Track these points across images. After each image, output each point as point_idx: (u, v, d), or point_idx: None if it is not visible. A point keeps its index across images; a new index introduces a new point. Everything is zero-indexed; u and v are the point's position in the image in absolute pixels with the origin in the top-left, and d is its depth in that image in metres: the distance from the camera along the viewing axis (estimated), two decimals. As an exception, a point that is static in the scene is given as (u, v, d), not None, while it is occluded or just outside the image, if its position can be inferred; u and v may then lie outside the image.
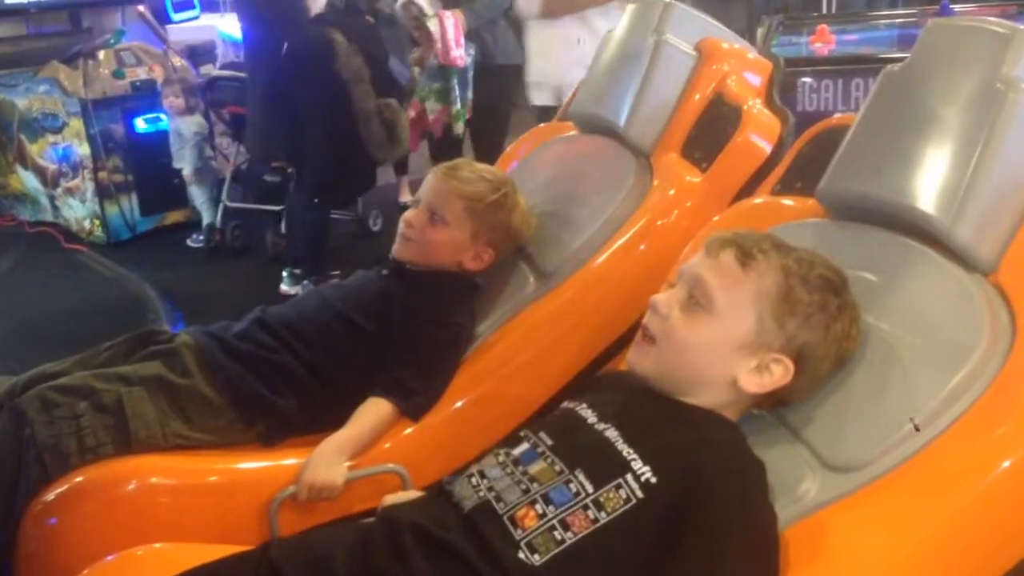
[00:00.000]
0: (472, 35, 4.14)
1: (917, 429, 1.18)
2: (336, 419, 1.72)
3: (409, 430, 1.75)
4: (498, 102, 4.31)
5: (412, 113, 4.23)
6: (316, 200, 4.01)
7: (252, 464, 1.71)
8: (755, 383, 1.24)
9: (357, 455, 1.69)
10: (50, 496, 1.57)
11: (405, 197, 5.04)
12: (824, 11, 5.62)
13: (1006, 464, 1.13)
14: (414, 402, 1.75)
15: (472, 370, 1.83)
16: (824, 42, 3.98)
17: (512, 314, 1.89)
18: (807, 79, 3.47)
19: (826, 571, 1.16)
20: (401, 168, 5.18)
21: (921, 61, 1.39)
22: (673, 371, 1.27)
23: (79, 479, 1.58)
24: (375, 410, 1.73)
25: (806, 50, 4.01)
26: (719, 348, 1.24)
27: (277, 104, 3.85)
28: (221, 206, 4.73)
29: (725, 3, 7.06)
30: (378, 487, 1.63)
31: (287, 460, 1.69)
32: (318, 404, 1.77)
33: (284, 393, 1.76)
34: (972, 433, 1.16)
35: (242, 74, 4.35)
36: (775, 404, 1.30)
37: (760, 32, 4.25)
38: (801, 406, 1.29)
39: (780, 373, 1.24)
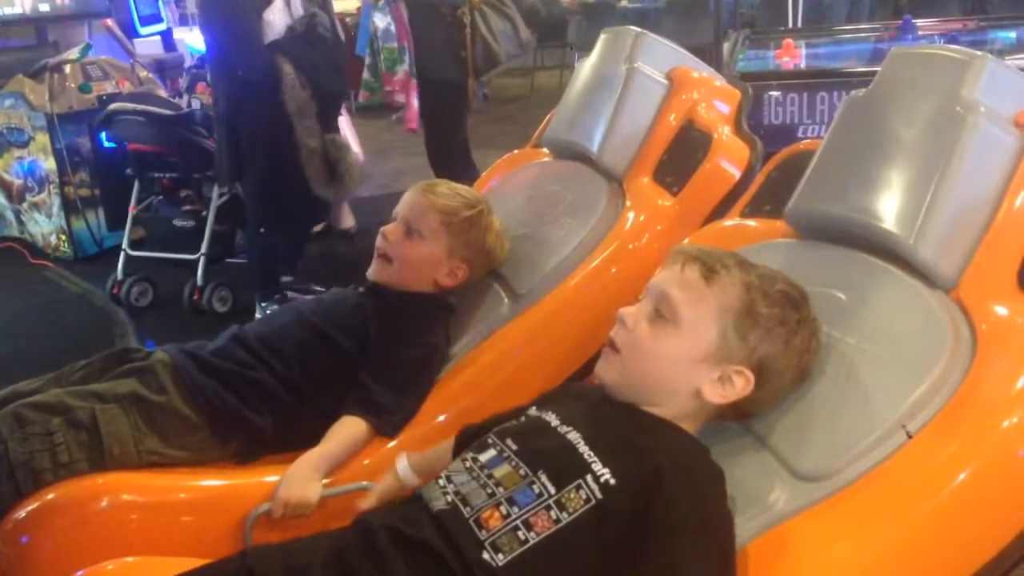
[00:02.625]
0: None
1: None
2: (311, 436, 1.73)
3: (384, 448, 1.76)
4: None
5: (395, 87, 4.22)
6: (262, 230, 3.89)
7: (227, 481, 1.71)
8: (718, 394, 1.28)
9: (332, 472, 1.70)
10: (21, 514, 1.56)
11: (348, 223, 4.93)
12: (791, 26, 5.70)
13: (965, 474, 1.16)
14: (388, 420, 1.76)
15: (447, 389, 1.85)
16: (790, 56, 4.05)
17: (486, 335, 1.92)
18: (773, 93, 3.52)
19: (796, 578, 1.18)
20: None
21: (884, 87, 1.44)
22: (638, 381, 1.31)
23: (51, 496, 1.57)
24: (350, 428, 1.74)
25: (772, 64, 4.08)
26: (683, 360, 1.28)
27: (231, 130, 3.64)
28: (122, 255, 4.14)
29: (692, 18, 7.18)
30: (353, 505, 1.64)
31: (262, 477, 1.69)
32: (294, 421, 1.77)
33: (260, 410, 1.76)
34: (934, 444, 1.20)
35: (145, 107, 4.03)
36: (738, 416, 1.34)
37: (727, 47, 4.31)
38: (771, 417, 1.33)
39: (741, 384, 1.27)
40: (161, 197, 4.22)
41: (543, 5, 9.45)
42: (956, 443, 1.19)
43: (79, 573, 1.45)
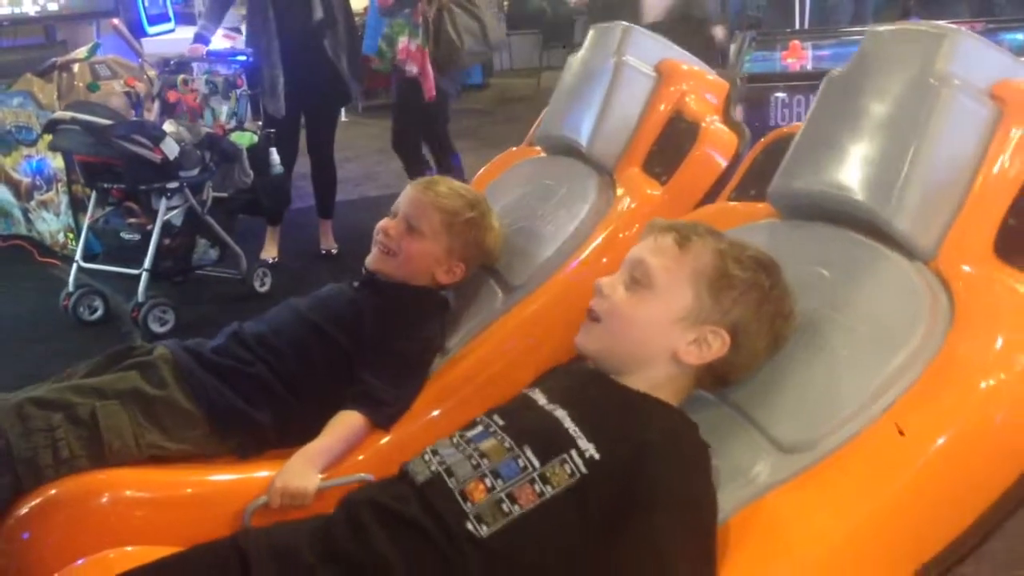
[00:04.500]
0: None
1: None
2: (310, 432, 1.74)
3: (381, 440, 1.78)
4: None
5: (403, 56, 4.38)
6: None
7: (226, 476, 1.73)
8: (694, 354, 1.30)
9: (329, 465, 1.71)
10: (23, 510, 1.58)
11: (329, 244, 4.82)
12: (797, 27, 5.70)
13: (944, 440, 1.17)
14: (384, 412, 1.78)
15: (443, 382, 1.87)
16: (796, 57, 4.03)
17: (481, 327, 1.93)
18: (779, 95, 3.52)
19: (776, 551, 1.19)
20: (275, 219, 4.76)
21: (861, 64, 1.46)
22: (618, 347, 1.33)
23: (52, 492, 1.59)
24: (347, 421, 1.76)
25: (779, 66, 4.07)
26: (659, 322, 1.31)
27: None
28: (74, 267, 4.00)
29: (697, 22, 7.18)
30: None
31: (261, 472, 1.71)
32: (292, 417, 1.79)
33: (259, 406, 1.78)
34: (913, 411, 1.20)
35: (86, 116, 3.88)
36: (716, 382, 1.35)
37: (733, 48, 4.31)
38: (753, 389, 1.34)
39: (717, 345, 1.30)
40: (111, 208, 4.14)
41: (549, 5, 9.52)
42: (935, 410, 1.20)
43: (80, 560, 1.48)
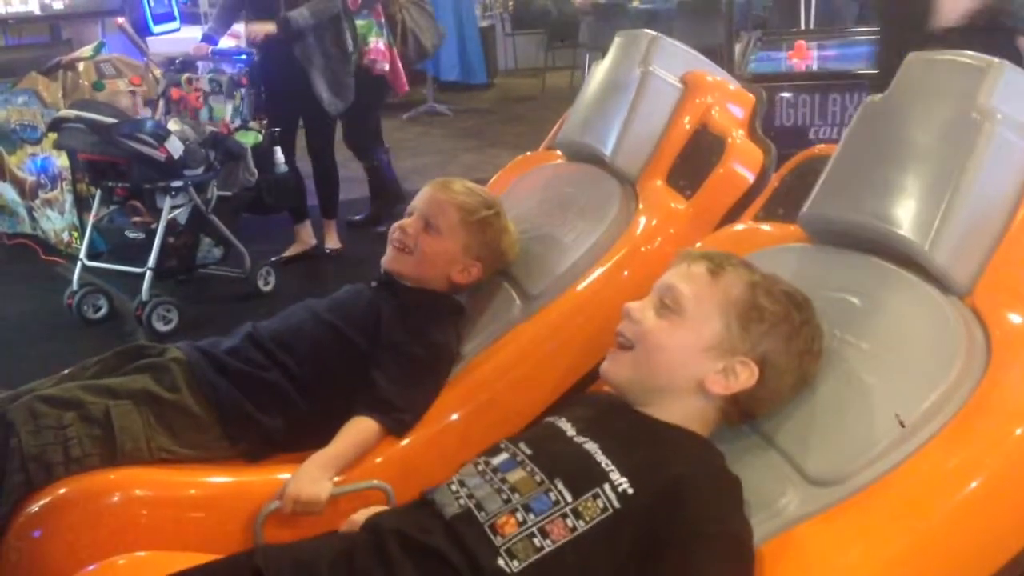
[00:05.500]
0: None
1: (903, 425, 1.21)
2: (322, 438, 1.73)
3: (394, 447, 1.76)
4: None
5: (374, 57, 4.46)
6: None
7: (238, 478, 1.71)
8: (721, 384, 1.29)
9: (342, 471, 1.70)
10: (34, 507, 1.57)
11: (332, 243, 4.78)
12: (802, 27, 5.69)
13: (977, 482, 1.16)
14: (397, 419, 1.76)
15: (457, 390, 1.85)
16: (802, 58, 4.03)
17: (498, 336, 1.91)
18: (785, 95, 3.51)
19: (804, 584, 1.18)
20: (299, 215, 4.77)
21: (900, 92, 1.44)
22: (646, 375, 1.32)
23: (63, 490, 1.58)
24: (360, 428, 1.74)
25: (784, 66, 4.06)
26: (688, 349, 1.30)
27: None
28: (78, 265, 4.00)
29: (703, 19, 7.16)
30: (363, 503, 1.64)
31: (273, 475, 1.70)
32: (305, 423, 1.78)
33: (271, 411, 1.77)
34: (947, 450, 1.20)
35: (90, 115, 3.88)
36: (741, 416, 1.34)
37: (738, 48, 4.29)
38: (783, 420, 1.33)
39: (745, 376, 1.29)
40: (115, 207, 4.14)
41: (554, 5, 9.49)
42: (968, 450, 1.19)
43: (91, 567, 1.47)
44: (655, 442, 1.26)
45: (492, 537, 1.19)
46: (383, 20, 4.50)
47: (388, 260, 1.96)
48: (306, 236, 4.75)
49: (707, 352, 1.30)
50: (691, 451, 1.25)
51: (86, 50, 5.27)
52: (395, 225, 1.97)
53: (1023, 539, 1.18)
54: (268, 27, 4.24)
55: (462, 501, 1.25)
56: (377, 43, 4.47)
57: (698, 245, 1.73)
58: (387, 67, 4.50)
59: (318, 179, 4.72)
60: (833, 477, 1.24)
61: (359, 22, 4.41)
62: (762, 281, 1.33)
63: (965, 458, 1.19)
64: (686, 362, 1.30)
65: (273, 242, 4.77)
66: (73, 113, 3.96)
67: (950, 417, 1.22)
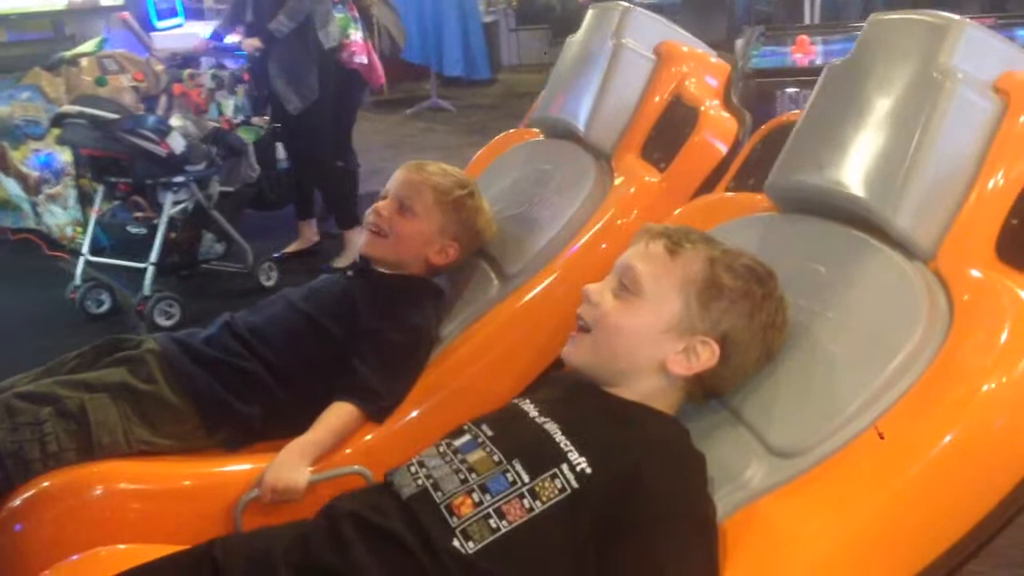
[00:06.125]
0: None
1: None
2: (300, 426, 1.72)
3: (374, 432, 1.76)
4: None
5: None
6: None
7: (217, 468, 1.72)
8: (682, 365, 1.27)
9: (321, 458, 1.70)
10: (16, 502, 1.58)
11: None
12: (807, 22, 5.63)
13: (941, 446, 1.14)
14: (377, 405, 1.76)
15: (437, 372, 1.85)
16: (804, 53, 3.99)
17: (476, 316, 1.91)
18: (787, 90, 3.48)
19: (770, 556, 1.17)
20: (305, 211, 4.74)
21: (862, 54, 1.42)
22: (606, 358, 1.31)
23: (45, 484, 1.59)
24: (339, 413, 1.74)
25: (787, 61, 4.02)
26: (647, 331, 1.28)
27: None
28: (81, 261, 4.03)
29: (707, 14, 7.12)
30: (342, 489, 1.63)
31: (252, 464, 1.70)
32: (283, 411, 1.78)
33: (249, 399, 1.77)
34: (909, 416, 1.18)
35: (92, 110, 3.90)
36: (706, 394, 1.33)
37: (740, 43, 4.26)
38: (747, 393, 1.32)
39: (707, 356, 1.27)
40: (118, 202, 4.16)
41: (558, 1, 9.42)
42: (931, 414, 1.17)
43: (73, 557, 1.48)
44: (617, 421, 1.25)
45: (448, 517, 1.18)
46: (357, 15, 4.48)
47: (364, 245, 1.96)
48: (309, 233, 4.73)
49: (667, 333, 1.28)
50: (653, 430, 1.24)
51: (88, 45, 5.30)
52: (370, 209, 1.96)
53: (987, 505, 1.16)
54: (257, 42, 4.27)
55: (419, 481, 1.25)
56: (355, 36, 4.44)
57: (676, 213, 1.73)
58: (365, 60, 4.45)
59: (309, 186, 4.65)
60: (797, 448, 1.22)
61: (336, 15, 4.37)
62: (722, 257, 1.30)
63: (928, 423, 1.16)
64: (645, 344, 1.29)
65: (275, 238, 4.77)
66: (75, 109, 3.98)
67: (912, 383, 1.20)
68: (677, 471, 1.18)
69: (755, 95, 3.27)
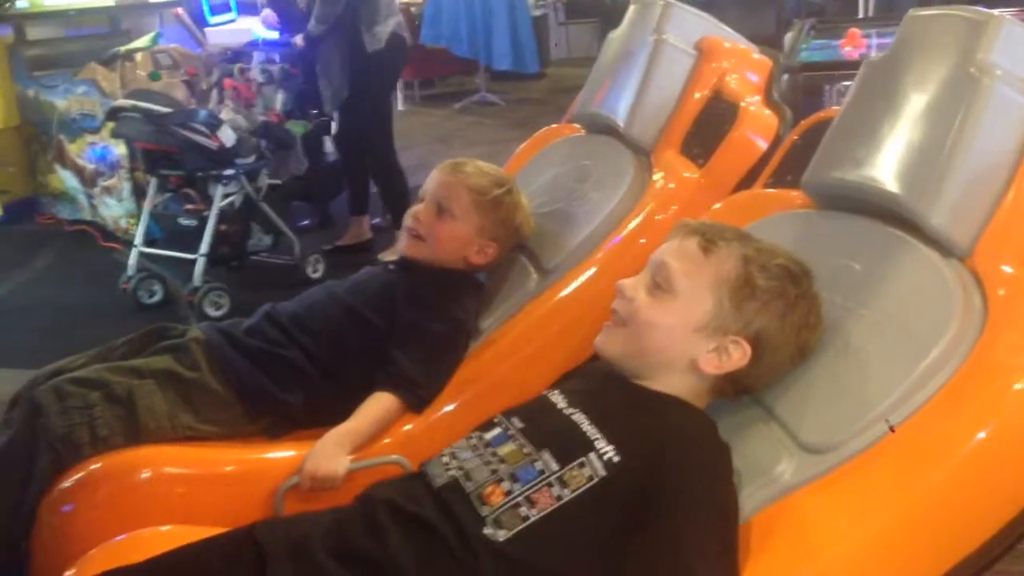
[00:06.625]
0: None
1: (892, 430, 1.19)
2: (341, 414, 1.76)
3: (412, 422, 1.79)
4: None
5: None
6: None
7: (259, 455, 1.76)
8: (713, 364, 1.28)
9: (360, 447, 1.73)
10: (66, 483, 1.63)
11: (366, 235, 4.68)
12: (861, 15, 5.54)
13: (972, 444, 1.14)
14: (417, 395, 1.79)
15: (475, 364, 1.87)
16: (855, 46, 3.91)
17: (515, 310, 1.93)
18: (835, 84, 3.42)
19: (799, 551, 1.18)
20: (359, 207, 4.75)
21: (900, 50, 1.41)
22: (637, 352, 1.32)
23: (94, 467, 1.64)
24: (379, 403, 1.77)
25: (837, 54, 3.95)
26: (679, 329, 1.29)
27: None
28: (134, 252, 4.12)
29: (758, 7, 7.03)
30: (380, 478, 1.67)
31: (293, 452, 1.73)
32: (323, 399, 1.81)
33: (290, 388, 1.80)
34: (941, 415, 1.17)
35: (145, 104, 3.98)
36: (737, 391, 1.33)
37: (790, 36, 4.20)
38: (779, 389, 1.32)
39: (738, 356, 1.28)
40: (170, 194, 4.23)
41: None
42: (964, 413, 1.17)
43: (118, 538, 1.52)
44: (644, 412, 1.26)
45: (479, 507, 1.20)
46: None
47: (404, 248, 1.98)
48: (361, 229, 4.75)
49: (699, 332, 1.29)
50: (679, 419, 1.25)
51: (143, 40, 5.39)
52: (408, 213, 1.99)
53: (1020, 502, 1.15)
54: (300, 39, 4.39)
55: (450, 472, 1.27)
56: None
57: (714, 209, 1.73)
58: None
59: (360, 182, 4.69)
60: (827, 444, 1.23)
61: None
62: (756, 256, 1.30)
63: (960, 420, 1.16)
64: (677, 341, 1.29)
65: (324, 231, 4.84)
66: (129, 103, 4.06)
67: (946, 380, 1.19)
68: (700, 460, 1.20)
69: (802, 89, 3.23)
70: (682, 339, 1.29)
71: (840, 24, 4.49)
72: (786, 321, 1.28)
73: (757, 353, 1.28)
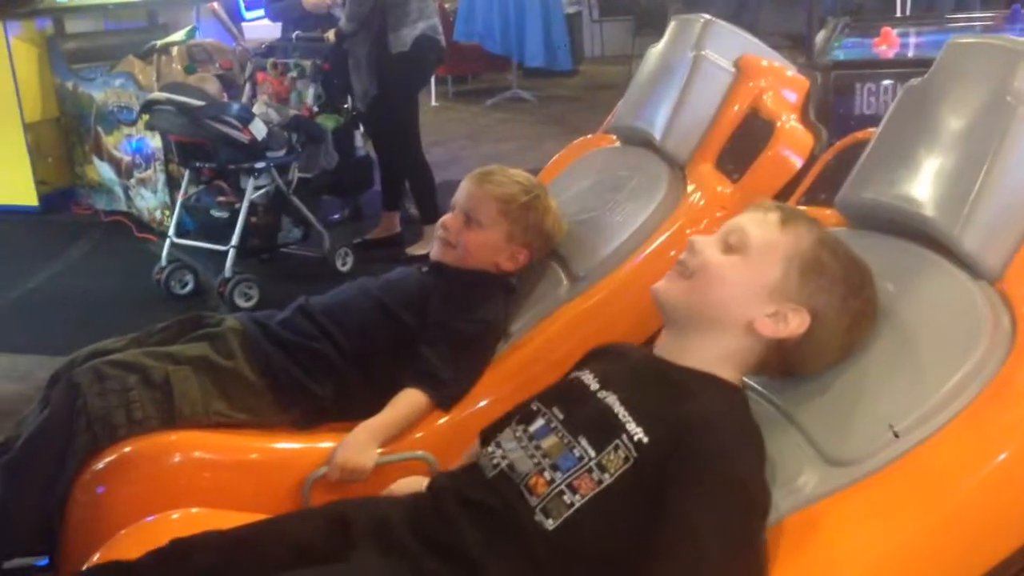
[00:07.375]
0: None
1: (896, 436, 1.22)
2: (369, 407, 1.80)
3: (440, 420, 1.82)
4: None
5: None
6: None
7: (288, 444, 1.80)
8: (769, 328, 1.29)
9: (389, 441, 1.77)
10: (99, 465, 1.67)
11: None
12: (899, 14, 5.50)
13: (995, 463, 1.16)
14: (445, 393, 1.82)
15: (504, 366, 1.90)
16: (889, 44, 3.89)
17: (545, 314, 1.96)
18: (866, 83, 3.40)
19: (820, 563, 1.19)
20: (392, 202, 4.76)
21: (939, 76, 1.43)
22: (698, 304, 1.33)
23: (127, 449, 1.68)
24: (409, 399, 1.81)
25: (870, 53, 3.92)
26: (745, 287, 1.31)
27: None
28: (167, 242, 4.18)
29: (793, 5, 6.97)
30: (407, 473, 1.70)
31: (322, 443, 1.78)
32: (353, 392, 1.85)
33: (321, 380, 1.84)
34: (965, 433, 1.19)
35: (179, 97, 4.01)
36: (781, 368, 1.35)
37: (822, 34, 4.17)
38: (805, 399, 1.34)
39: (796, 323, 1.29)
40: (203, 187, 4.29)
41: (642, -7, 9.42)
42: (988, 432, 1.19)
43: (146, 519, 1.56)
44: (670, 387, 1.28)
45: (528, 496, 1.24)
46: None
47: (435, 254, 2.02)
48: (392, 223, 4.78)
49: (762, 294, 1.30)
50: (710, 399, 1.26)
51: (179, 34, 5.46)
52: (439, 222, 2.03)
53: (1040, 522, 1.17)
54: (332, 35, 4.46)
55: (496, 462, 1.32)
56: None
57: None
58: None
59: (392, 178, 4.72)
60: (851, 458, 1.24)
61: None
62: (830, 240, 1.34)
63: (983, 440, 1.18)
64: (740, 298, 1.31)
65: (353, 225, 4.88)
66: (164, 96, 4.11)
67: (971, 399, 1.21)
68: (722, 434, 1.21)
69: (833, 88, 3.21)
70: (744, 298, 1.30)
71: (875, 23, 4.43)
72: (846, 305, 1.30)
73: (811, 328, 1.30)
